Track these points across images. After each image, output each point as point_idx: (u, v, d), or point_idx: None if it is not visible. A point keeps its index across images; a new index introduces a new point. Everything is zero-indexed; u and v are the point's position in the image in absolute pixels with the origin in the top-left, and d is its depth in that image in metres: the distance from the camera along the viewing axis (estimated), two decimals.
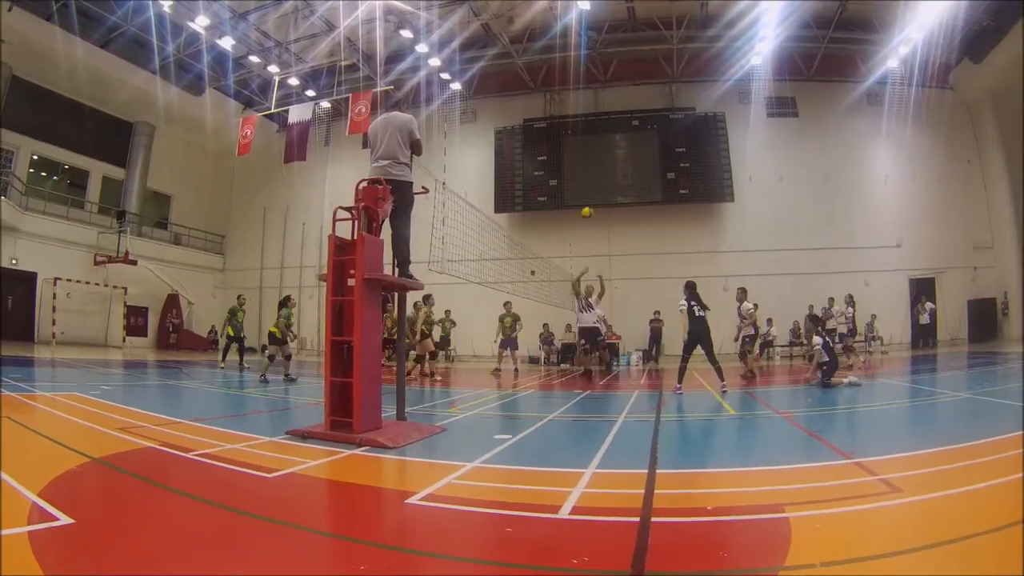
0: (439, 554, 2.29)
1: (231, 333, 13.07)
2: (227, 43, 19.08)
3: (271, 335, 10.39)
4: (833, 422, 5.86)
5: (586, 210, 13.53)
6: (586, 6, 17.30)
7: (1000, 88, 19.03)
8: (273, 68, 19.87)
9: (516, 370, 13.81)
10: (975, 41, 18.47)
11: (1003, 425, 4.49)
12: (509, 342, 13.85)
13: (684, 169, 19.36)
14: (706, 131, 19.58)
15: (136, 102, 20.82)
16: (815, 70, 20.08)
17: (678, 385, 8.20)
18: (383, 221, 4.90)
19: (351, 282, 4.50)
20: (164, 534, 2.36)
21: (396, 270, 5.25)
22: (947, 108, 20.01)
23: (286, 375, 10.02)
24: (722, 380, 8.25)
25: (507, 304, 13.91)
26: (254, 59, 20.30)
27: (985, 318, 19.71)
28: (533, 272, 16.86)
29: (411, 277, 5.26)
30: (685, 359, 8.50)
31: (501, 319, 14.10)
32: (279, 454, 3.89)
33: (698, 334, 8.33)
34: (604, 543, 2.35)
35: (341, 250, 4.61)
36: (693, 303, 8.40)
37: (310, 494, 3.14)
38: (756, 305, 10.44)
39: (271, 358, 10.20)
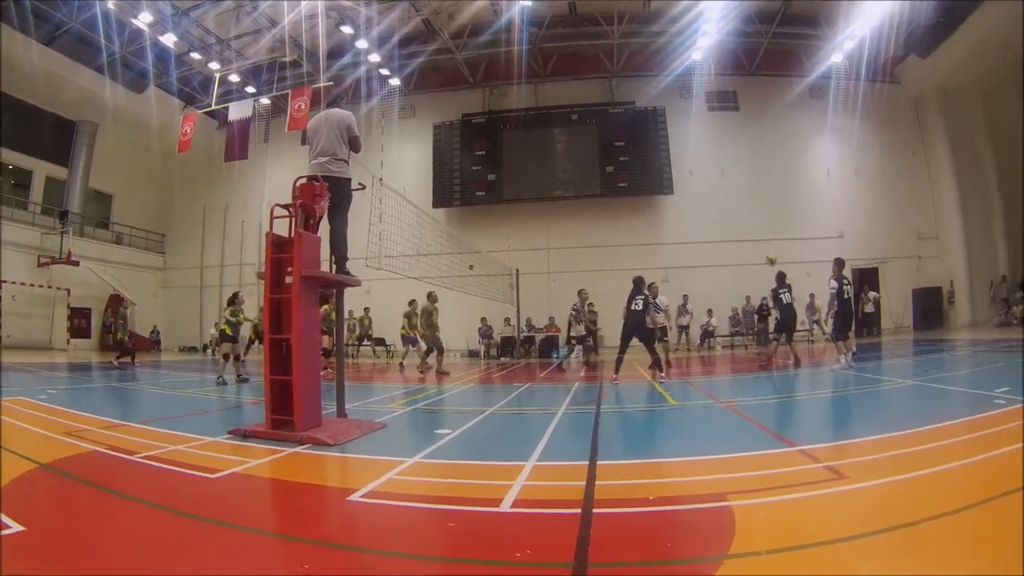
0: (382, 551, 2.27)
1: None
2: (169, 40, 18.89)
3: (223, 333, 10.14)
4: (776, 411, 5.83)
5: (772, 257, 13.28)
6: (527, 3, 17.31)
7: (948, 82, 19.27)
8: (214, 65, 19.71)
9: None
10: (922, 37, 18.63)
11: (948, 411, 4.58)
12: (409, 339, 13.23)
13: (623, 163, 19.40)
14: (645, 125, 19.65)
15: (79, 100, 20.52)
16: (757, 65, 20.26)
17: (848, 358, 8.91)
18: (320, 218, 4.91)
19: (289, 280, 4.51)
20: (113, 539, 2.37)
21: (334, 267, 5.28)
22: (892, 102, 20.27)
23: (238, 376, 9.69)
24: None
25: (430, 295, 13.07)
26: (195, 56, 20.09)
27: (930, 307, 20.01)
28: (471, 267, 16.82)
29: (348, 274, 5.28)
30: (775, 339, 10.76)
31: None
32: (222, 454, 3.93)
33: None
34: (546, 535, 2.36)
35: (279, 248, 4.61)
36: (846, 283, 9.30)
37: (253, 494, 3.15)
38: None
39: (226, 357, 9.85)
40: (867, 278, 18.89)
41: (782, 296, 10.46)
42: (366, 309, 17.83)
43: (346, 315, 16.05)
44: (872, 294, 17.78)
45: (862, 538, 2.12)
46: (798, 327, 11.70)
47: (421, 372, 11.19)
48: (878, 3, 16.86)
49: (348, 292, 5.70)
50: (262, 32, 19.24)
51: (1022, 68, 16.09)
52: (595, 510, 2.55)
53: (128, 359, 13.69)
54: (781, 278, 10.39)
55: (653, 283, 11.22)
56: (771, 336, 12.00)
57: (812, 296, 14.32)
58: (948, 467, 2.97)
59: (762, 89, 20.29)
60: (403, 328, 13.50)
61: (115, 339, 14.96)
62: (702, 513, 2.53)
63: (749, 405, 5.99)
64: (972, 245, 19.46)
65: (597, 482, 3.02)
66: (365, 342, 18.42)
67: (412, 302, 13.45)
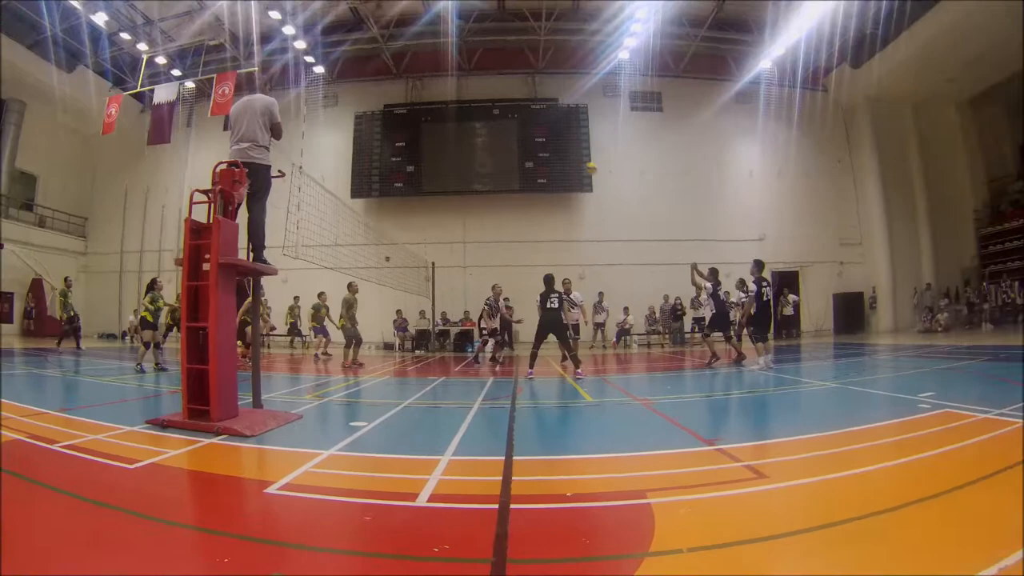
0: (299, 544, 2.24)
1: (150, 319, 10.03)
2: (100, 19, 18.71)
3: (143, 320, 9.80)
4: (695, 410, 5.81)
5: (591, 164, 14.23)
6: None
7: (879, 93, 19.52)
8: (142, 46, 19.49)
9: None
10: (856, 47, 18.84)
11: (870, 414, 4.68)
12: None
13: (543, 159, 19.50)
14: (567, 122, 19.76)
15: (9, 78, 20.21)
16: (684, 67, 20.39)
17: (767, 359, 9.13)
18: (239, 205, 4.87)
19: (207, 267, 4.46)
20: (33, 530, 2.34)
21: (251, 255, 5.24)
22: (820, 110, 20.53)
23: (156, 364, 9.37)
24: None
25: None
26: (125, 36, 19.87)
27: (851, 311, 20.29)
28: (388, 258, 16.76)
29: (265, 262, 5.25)
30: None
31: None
32: (139, 444, 3.89)
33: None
34: (464, 530, 2.35)
35: (197, 234, 4.57)
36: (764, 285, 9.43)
37: (171, 485, 3.14)
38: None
39: (147, 345, 9.58)
40: (787, 281, 19.05)
41: (719, 292, 10.52)
42: (296, 298, 17.56)
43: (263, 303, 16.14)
44: (791, 297, 17.93)
45: (782, 537, 2.15)
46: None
47: (345, 367, 10.99)
48: (812, 10, 16.96)
49: (265, 282, 5.67)
50: (192, 14, 19.07)
51: (1021, 76, 16.20)
52: (513, 506, 2.55)
53: (60, 342, 13.42)
54: (715, 274, 10.40)
55: (566, 279, 11.34)
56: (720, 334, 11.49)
57: (727, 294, 14.39)
58: (870, 469, 3.00)
59: (687, 91, 20.49)
60: (311, 319, 13.66)
61: (61, 318, 14.22)
62: (622, 510, 2.53)
63: (666, 403, 5.97)
64: (896, 253, 19.81)
65: (514, 478, 3.02)
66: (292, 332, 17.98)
67: (321, 294, 13.80)
